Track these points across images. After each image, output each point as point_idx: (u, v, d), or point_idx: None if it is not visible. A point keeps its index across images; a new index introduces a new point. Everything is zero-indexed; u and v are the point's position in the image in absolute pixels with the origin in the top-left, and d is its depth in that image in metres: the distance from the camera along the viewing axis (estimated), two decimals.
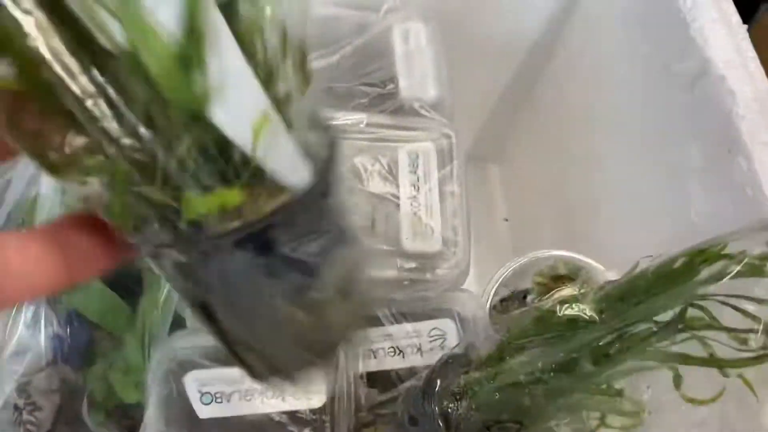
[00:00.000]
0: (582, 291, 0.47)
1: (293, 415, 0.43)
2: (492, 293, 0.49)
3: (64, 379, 0.47)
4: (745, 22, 0.45)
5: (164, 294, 0.42)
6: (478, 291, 0.51)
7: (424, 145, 0.49)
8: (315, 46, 0.51)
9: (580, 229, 0.59)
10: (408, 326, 0.47)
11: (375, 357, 0.47)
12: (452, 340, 0.46)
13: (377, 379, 0.47)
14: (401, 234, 0.46)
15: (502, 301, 0.52)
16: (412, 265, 0.46)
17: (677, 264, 0.29)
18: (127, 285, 0.45)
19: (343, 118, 0.48)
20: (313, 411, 0.43)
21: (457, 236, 0.47)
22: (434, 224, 0.47)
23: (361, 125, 0.49)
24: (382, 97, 0.50)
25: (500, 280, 0.50)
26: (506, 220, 0.77)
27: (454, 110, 0.52)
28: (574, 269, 0.49)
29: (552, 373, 0.31)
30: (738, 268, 0.26)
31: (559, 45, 0.64)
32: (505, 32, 0.66)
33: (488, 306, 0.49)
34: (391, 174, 0.48)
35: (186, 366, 0.42)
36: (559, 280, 0.49)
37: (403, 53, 0.54)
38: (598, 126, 0.56)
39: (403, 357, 0.47)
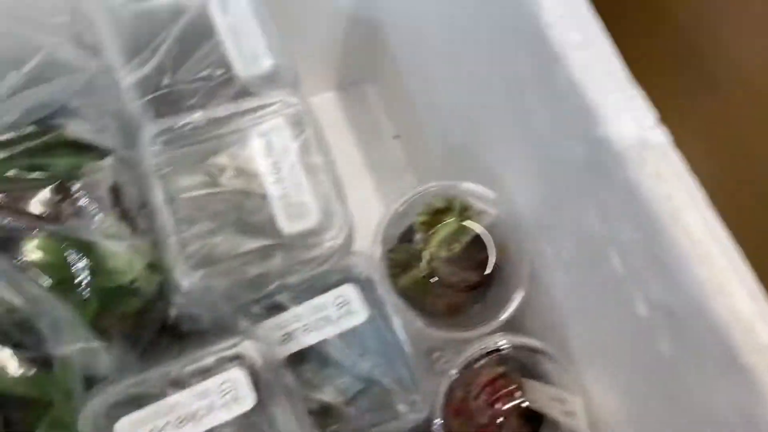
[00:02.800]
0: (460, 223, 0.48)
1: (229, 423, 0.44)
2: (380, 247, 0.50)
3: None
4: None
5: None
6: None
7: (274, 123, 0.48)
8: (130, 52, 0.49)
9: (461, 143, 0.59)
10: (312, 302, 0.48)
11: (292, 339, 0.48)
12: (356, 304, 0.47)
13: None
14: (277, 221, 0.46)
15: (394, 247, 0.53)
16: (298, 247, 0.46)
17: None
18: None
19: (181, 123, 0.47)
20: (246, 414, 0.44)
21: (332, 204, 0.47)
22: (306, 199, 0.47)
23: (204, 124, 0.47)
24: (217, 87, 0.49)
25: (381, 232, 0.50)
26: (397, 137, 0.77)
27: (296, 72, 0.51)
28: (451, 200, 0.50)
29: None
30: None
31: None
32: None
33: (380, 260, 0.50)
34: (250, 163, 0.48)
35: (112, 417, 0.42)
36: (439, 214, 0.50)
37: (227, 28, 0.51)
38: (444, 47, 0.55)
39: (318, 331, 0.48)
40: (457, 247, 0.49)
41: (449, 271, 0.49)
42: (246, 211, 0.46)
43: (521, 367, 0.51)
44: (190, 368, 0.43)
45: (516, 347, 0.49)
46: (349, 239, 0.47)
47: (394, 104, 0.76)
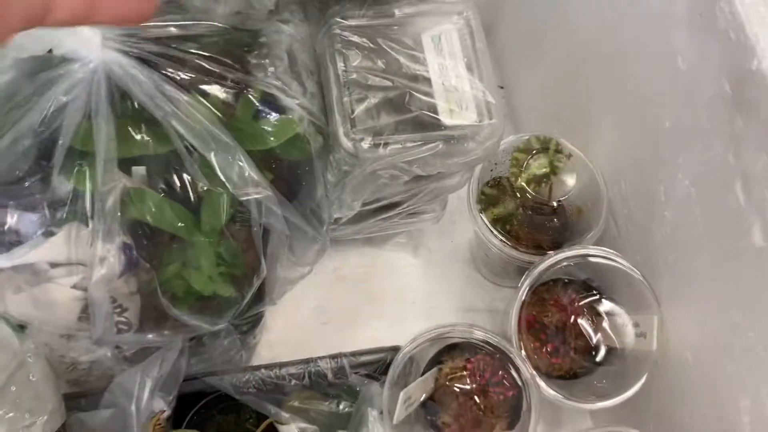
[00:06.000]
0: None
1: None
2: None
3: (140, 281, 0.52)
4: None
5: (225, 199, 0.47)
6: None
7: (446, 28, 0.53)
8: None
9: (569, 92, 0.63)
10: None
11: None
12: None
13: None
14: (438, 113, 0.50)
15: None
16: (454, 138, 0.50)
17: None
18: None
19: (363, 10, 0.51)
20: None
21: (489, 108, 0.51)
22: (467, 100, 0.51)
23: (383, 16, 0.52)
24: None
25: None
26: (501, 87, 0.80)
27: None
28: (545, 141, 0.56)
29: None
30: None
31: None
32: None
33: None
34: (420, 59, 0.52)
35: None
36: (534, 153, 0.57)
37: None
38: None
39: None
40: (540, 187, 0.55)
41: (533, 207, 0.55)
42: (411, 99, 0.50)
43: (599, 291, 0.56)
44: None
45: (599, 258, 0.54)
46: (499, 141, 0.52)
47: (504, 55, 0.79)
